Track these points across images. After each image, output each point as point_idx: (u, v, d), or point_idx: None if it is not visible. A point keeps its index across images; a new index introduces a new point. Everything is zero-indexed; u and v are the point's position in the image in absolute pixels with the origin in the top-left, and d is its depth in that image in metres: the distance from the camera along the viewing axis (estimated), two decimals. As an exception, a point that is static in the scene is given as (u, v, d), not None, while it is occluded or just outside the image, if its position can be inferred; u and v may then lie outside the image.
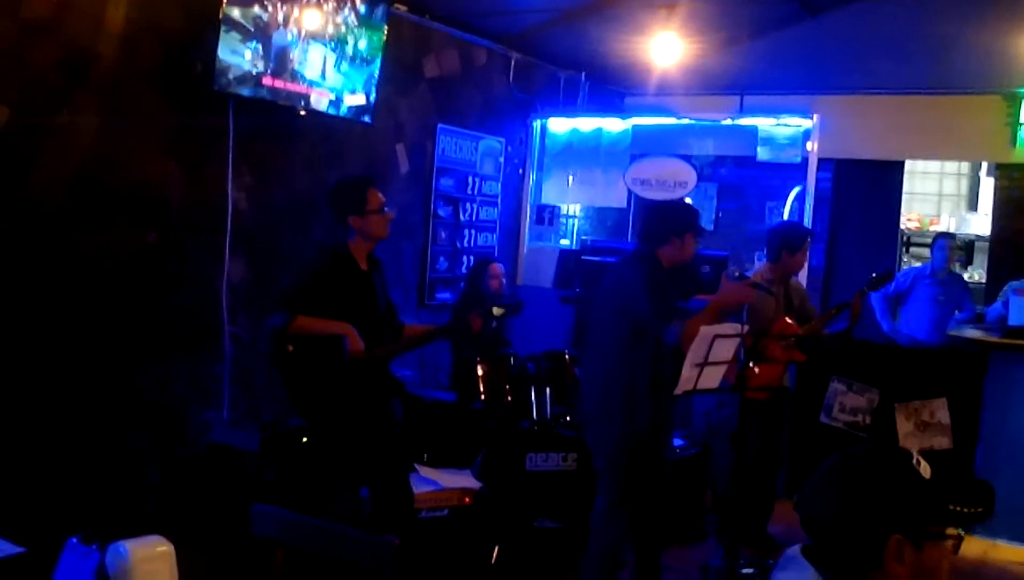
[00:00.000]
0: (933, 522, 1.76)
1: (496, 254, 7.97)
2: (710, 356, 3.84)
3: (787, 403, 5.89)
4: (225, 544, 4.52)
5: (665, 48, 7.23)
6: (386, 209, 4.57)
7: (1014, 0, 7.28)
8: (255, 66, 5.37)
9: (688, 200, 9.34)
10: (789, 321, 5.60)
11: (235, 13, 5.19)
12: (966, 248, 11.19)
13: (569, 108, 8.66)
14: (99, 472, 4.96)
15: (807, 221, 7.45)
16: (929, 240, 8.68)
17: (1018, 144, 8.21)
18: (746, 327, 4.12)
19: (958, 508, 1.77)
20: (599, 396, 4.44)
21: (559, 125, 8.52)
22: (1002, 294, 7.66)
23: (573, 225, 9.02)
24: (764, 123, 7.69)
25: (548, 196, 8.53)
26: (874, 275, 5.76)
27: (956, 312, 7.62)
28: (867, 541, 1.73)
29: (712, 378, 3.98)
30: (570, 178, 8.43)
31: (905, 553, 1.73)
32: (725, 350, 3.92)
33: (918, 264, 9.17)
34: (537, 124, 8.46)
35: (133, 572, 2.49)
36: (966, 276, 10.55)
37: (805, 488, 1.84)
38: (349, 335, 4.30)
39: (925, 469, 1.79)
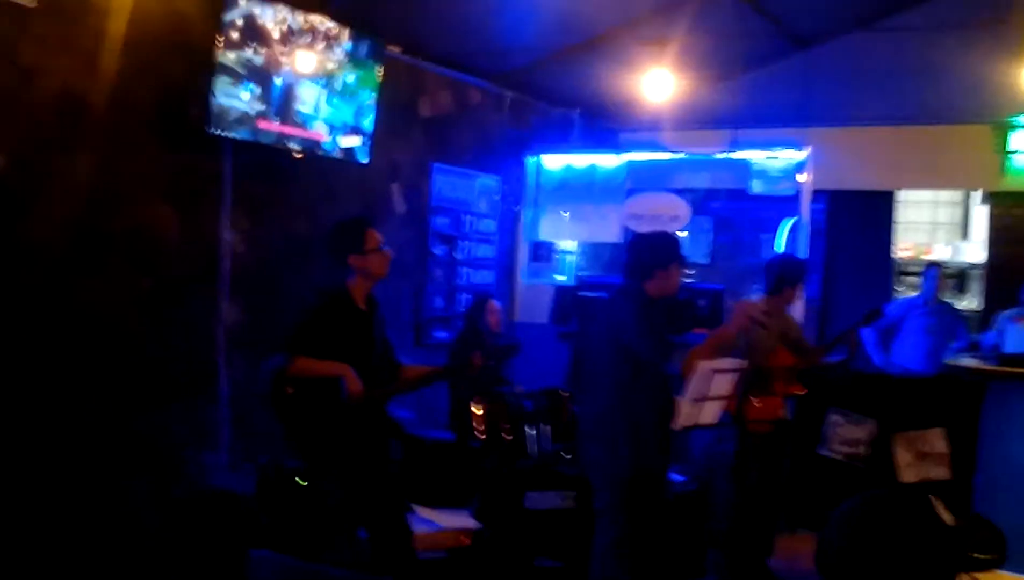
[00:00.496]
0: (957, 570, 1.73)
1: (493, 291, 7.99)
2: (710, 391, 3.85)
3: (787, 436, 5.88)
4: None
5: (657, 84, 7.29)
6: (384, 248, 4.59)
7: (999, 32, 7.34)
8: (250, 109, 5.42)
9: (684, 234, 9.42)
10: (788, 354, 5.60)
11: (230, 57, 5.24)
12: (960, 276, 11.23)
13: (563, 144, 8.72)
14: (95, 518, 4.93)
15: (803, 252, 7.48)
16: (923, 269, 8.71)
17: (1008, 172, 8.27)
18: (745, 362, 4.13)
19: (977, 555, 1.74)
20: (601, 436, 4.43)
21: (553, 161, 8.57)
22: (995, 324, 7.69)
23: (570, 261, 9.04)
24: (757, 156, 7.74)
25: (544, 232, 8.57)
26: (864, 315, 5.78)
27: (949, 341, 7.62)
28: None
29: (712, 413, 3.99)
30: (565, 214, 8.47)
31: None
32: (724, 385, 3.93)
33: (912, 293, 9.19)
34: (532, 161, 8.51)
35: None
36: (960, 304, 10.58)
37: (825, 533, 1.80)
38: (347, 376, 4.32)
39: (947, 516, 1.76)
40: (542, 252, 8.55)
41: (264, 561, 2.88)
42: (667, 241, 4.72)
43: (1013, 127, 8.20)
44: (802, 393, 5.65)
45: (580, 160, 8.54)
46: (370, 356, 4.51)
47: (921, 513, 1.75)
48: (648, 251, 4.55)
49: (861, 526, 1.76)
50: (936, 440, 6.17)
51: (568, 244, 8.99)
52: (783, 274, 5.63)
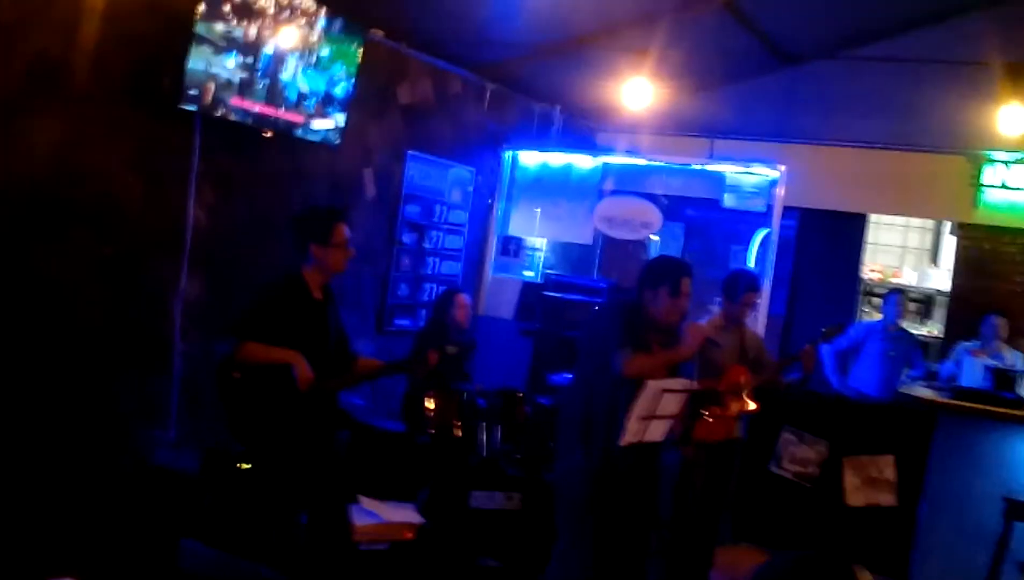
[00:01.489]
0: None
1: (460, 282, 7.97)
2: (657, 410, 3.86)
3: (737, 454, 5.89)
4: (152, 576, 4.44)
5: (636, 91, 7.28)
6: (348, 246, 4.57)
7: (978, 70, 7.40)
8: (224, 84, 5.35)
9: (655, 238, 9.44)
10: (741, 370, 5.60)
11: (206, 30, 5.17)
12: (926, 302, 11.33)
13: (542, 141, 8.70)
14: (35, 485, 4.89)
15: (770, 269, 7.52)
16: (885, 293, 8.77)
17: (980, 205, 8.34)
18: (695, 383, 4.14)
19: None
20: (573, 441, 4.45)
21: (530, 158, 8.55)
22: (953, 354, 7.76)
23: (538, 258, 9.03)
24: (731, 170, 7.75)
25: (515, 228, 8.55)
26: (824, 330, 5.80)
27: (906, 368, 7.69)
28: None
29: (658, 431, 4.00)
30: (537, 211, 8.45)
31: None
32: (672, 404, 3.93)
33: (878, 316, 9.27)
34: (508, 155, 8.49)
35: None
36: (924, 330, 10.68)
37: None
38: (298, 364, 4.28)
39: None
40: (511, 247, 8.54)
41: (196, 552, 2.87)
42: (667, 265, 4.68)
43: (988, 160, 8.26)
44: (755, 410, 5.67)
45: (556, 158, 8.52)
46: (323, 346, 4.48)
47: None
48: (648, 269, 4.57)
49: None
50: (885, 466, 6.24)
51: (537, 241, 8.99)
52: (732, 285, 5.66)
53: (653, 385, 3.84)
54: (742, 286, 5.66)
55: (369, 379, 5.01)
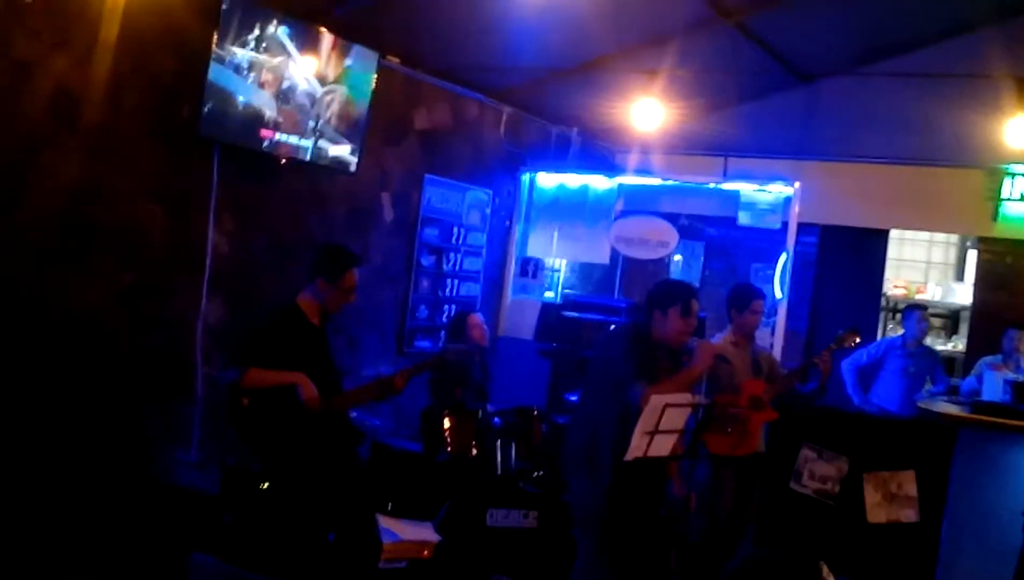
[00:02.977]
0: None
1: (479, 304, 8.05)
2: (660, 425, 3.90)
3: (760, 467, 5.89)
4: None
5: (648, 112, 7.35)
6: (352, 293, 4.74)
7: (992, 84, 7.41)
8: (241, 113, 5.48)
9: (677, 258, 9.48)
10: (759, 383, 5.62)
11: (224, 61, 5.31)
12: (951, 317, 11.25)
13: (560, 162, 8.78)
14: (61, 507, 4.99)
15: (786, 286, 7.54)
16: (904, 309, 8.74)
17: (999, 219, 8.31)
18: (699, 397, 4.18)
19: None
20: (584, 466, 4.50)
21: (547, 179, 8.63)
22: (975, 369, 7.71)
23: (558, 279, 9.09)
24: (745, 188, 7.79)
25: (533, 249, 8.62)
26: (840, 332, 5.80)
27: (928, 384, 7.65)
28: None
29: (663, 446, 4.03)
30: (555, 232, 8.52)
31: None
32: (676, 419, 3.97)
33: (900, 331, 9.24)
34: (526, 177, 8.57)
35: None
36: (949, 346, 10.60)
37: None
38: (302, 383, 4.41)
39: None
40: (530, 268, 8.60)
41: (206, 567, 2.94)
42: (676, 287, 4.71)
43: (1007, 174, 8.24)
44: (774, 417, 5.68)
45: (573, 180, 8.60)
46: (326, 369, 4.60)
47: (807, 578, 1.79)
48: (656, 291, 4.62)
49: None
50: (906, 482, 6.19)
51: (558, 262, 9.05)
52: (731, 301, 5.71)
53: (656, 399, 3.89)
54: (750, 295, 5.71)
55: (373, 396, 5.05)
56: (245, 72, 5.44)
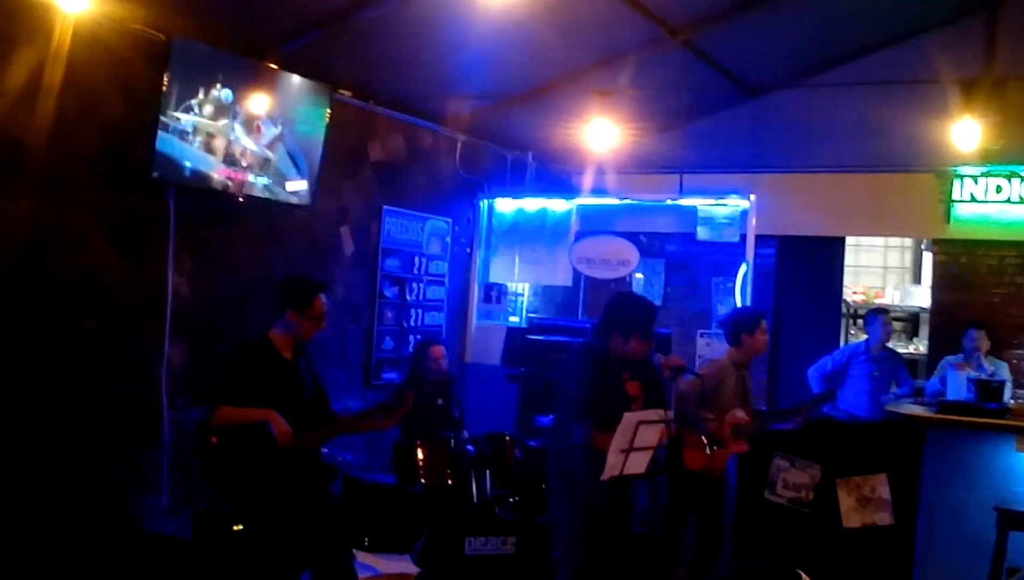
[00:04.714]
0: None
1: (444, 333, 8.02)
2: (635, 442, 3.90)
3: (723, 486, 5.89)
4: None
5: (602, 133, 7.39)
6: (324, 319, 4.70)
7: (938, 90, 7.56)
8: (194, 153, 5.44)
9: (639, 276, 9.51)
10: (741, 413, 5.60)
11: (174, 101, 5.27)
12: (911, 320, 11.40)
13: (518, 187, 8.80)
14: (32, 558, 4.89)
15: (747, 298, 7.59)
16: (866, 314, 8.84)
17: (952, 220, 8.45)
18: (670, 413, 4.19)
19: None
20: (559, 474, 4.55)
21: (506, 205, 8.65)
22: (939, 370, 7.80)
23: (521, 303, 9.09)
24: (702, 203, 7.85)
25: (495, 274, 8.62)
26: (817, 395, 5.85)
27: (893, 387, 7.73)
28: None
29: (638, 463, 4.03)
30: (516, 257, 8.53)
31: None
32: (650, 436, 3.97)
33: (863, 337, 9.34)
34: (484, 204, 8.58)
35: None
36: (911, 348, 10.74)
37: None
38: (273, 420, 4.35)
39: None
40: (493, 294, 8.59)
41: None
42: (639, 310, 4.73)
43: (956, 176, 8.39)
44: (744, 450, 5.69)
45: (531, 204, 8.62)
46: (298, 403, 4.54)
47: None
48: (617, 313, 4.67)
49: None
50: (879, 485, 6.24)
51: (520, 286, 9.05)
52: (740, 324, 5.72)
53: (629, 418, 3.89)
54: (757, 316, 5.75)
55: (349, 430, 5.03)
56: (196, 112, 5.40)
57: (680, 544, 5.80)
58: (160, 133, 5.22)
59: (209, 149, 5.52)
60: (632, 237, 8.46)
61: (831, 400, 6.02)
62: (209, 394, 4.40)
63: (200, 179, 5.51)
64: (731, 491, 6.19)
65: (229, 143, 5.64)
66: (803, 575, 1.83)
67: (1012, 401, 6.79)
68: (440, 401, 6.49)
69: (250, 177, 5.83)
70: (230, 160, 5.66)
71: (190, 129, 5.39)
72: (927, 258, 10.87)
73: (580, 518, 4.49)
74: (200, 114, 5.42)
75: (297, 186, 6.17)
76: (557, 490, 4.68)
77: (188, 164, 5.42)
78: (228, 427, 4.37)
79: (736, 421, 5.39)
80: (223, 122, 5.57)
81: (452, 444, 5.80)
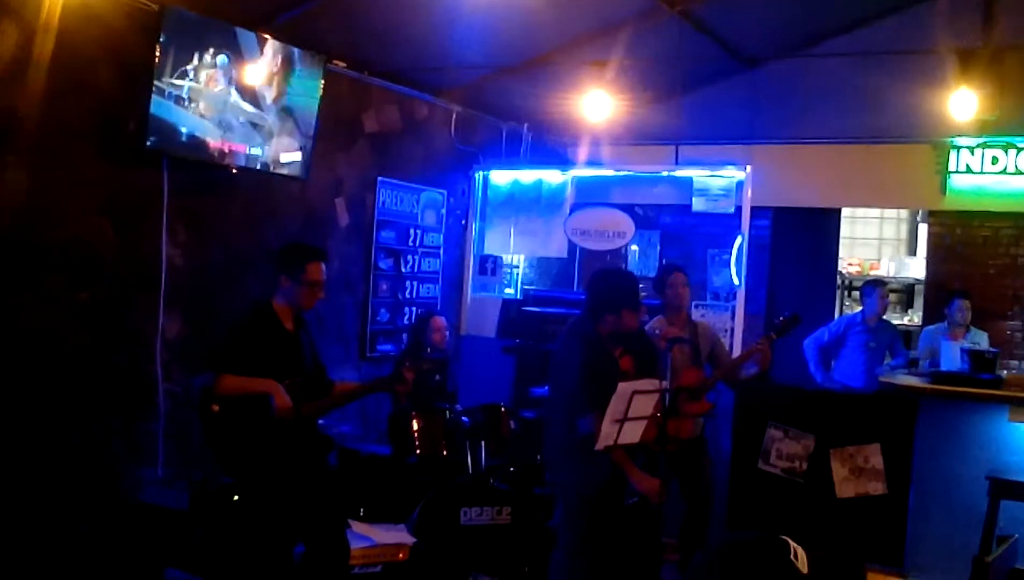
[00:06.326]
0: None
1: (439, 305, 8.02)
2: (629, 412, 3.90)
3: (703, 451, 5.87)
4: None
5: (598, 103, 7.36)
6: (319, 288, 4.66)
7: (935, 60, 7.52)
8: (188, 123, 5.41)
9: (634, 248, 9.51)
10: (694, 373, 5.60)
11: (168, 70, 5.23)
12: (906, 291, 11.42)
13: (513, 159, 8.77)
14: (28, 529, 4.91)
15: (742, 270, 7.60)
16: (862, 286, 8.84)
17: (948, 191, 8.45)
18: (665, 383, 4.20)
19: None
20: (559, 446, 4.56)
21: (501, 176, 8.62)
22: (920, 339, 7.83)
23: (517, 275, 9.09)
24: (698, 174, 7.83)
25: (491, 246, 8.60)
26: (779, 319, 5.82)
27: (888, 358, 7.74)
28: None
29: (633, 433, 4.05)
30: (511, 229, 8.52)
31: None
32: (645, 406, 3.98)
33: (858, 308, 9.35)
34: (479, 175, 8.55)
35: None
36: (905, 320, 10.76)
37: (688, 573, 1.86)
38: (275, 392, 4.34)
39: (802, 562, 1.81)
40: (488, 266, 8.58)
41: (179, 581, 2.90)
42: (623, 284, 4.76)
43: (953, 147, 8.37)
44: (709, 409, 5.68)
45: (527, 175, 8.59)
46: (299, 374, 4.53)
47: (772, 560, 1.80)
48: (601, 294, 4.66)
49: (714, 569, 1.82)
50: (872, 456, 6.27)
51: (516, 258, 9.04)
52: (658, 280, 5.79)
53: (624, 387, 3.90)
54: (666, 271, 5.80)
55: (348, 401, 5.05)
56: (190, 82, 5.37)
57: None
58: (155, 97, 5.18)
59: (203, 120, 5.49)
60: (627, 209, 8.43)
61: (797, 324, 5.94)
62: (213, 361, 4.39)
63: (195, 146, 5.48)
64: (724, 461, 6.23)
65: (224, 109, 5.60)
66: (791, 542, 1.83)
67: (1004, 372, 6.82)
68: (438, 377, 6.49)
69: (244, 148, 5.80)
70: (224, 131, 5.63)
71: (185, 94, 5.35)
72: (923, 230, 10.88)
73: (579, 489, 4.51)
74: (195, 80, 5.39)
75: (291, 157, 6.15)
76: (555, 461, 4.70)
77: (184, 129, 5.39)
78: (229, 396, 4.37)
79: (686, 386, 5.36)
80: (219, 88, 5.54)
81: (448, 415, 5.81)
